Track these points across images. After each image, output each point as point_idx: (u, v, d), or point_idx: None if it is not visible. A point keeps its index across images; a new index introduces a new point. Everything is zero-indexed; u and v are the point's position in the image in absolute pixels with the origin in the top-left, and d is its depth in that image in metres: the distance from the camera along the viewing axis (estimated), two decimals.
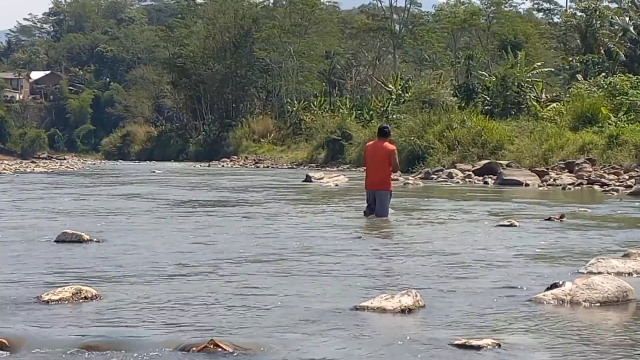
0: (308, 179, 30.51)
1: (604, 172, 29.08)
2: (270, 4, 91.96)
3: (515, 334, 5.40)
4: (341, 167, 49.56)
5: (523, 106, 47.60)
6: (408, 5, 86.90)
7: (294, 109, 72.95)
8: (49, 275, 7.50)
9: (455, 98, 50.68)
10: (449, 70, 69.45)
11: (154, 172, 42.41)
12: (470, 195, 22.13)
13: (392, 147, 14.04)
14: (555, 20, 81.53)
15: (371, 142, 14.66)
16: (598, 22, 55.79)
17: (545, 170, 30.71)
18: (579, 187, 26.45)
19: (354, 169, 44.47)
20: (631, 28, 51.69)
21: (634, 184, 24.88)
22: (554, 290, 6.50)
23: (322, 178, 30.88)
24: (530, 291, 6.80)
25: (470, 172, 32.75)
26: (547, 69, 56.11)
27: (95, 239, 10.05)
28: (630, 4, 54.22)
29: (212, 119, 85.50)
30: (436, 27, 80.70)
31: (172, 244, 9.98)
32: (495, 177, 29.81)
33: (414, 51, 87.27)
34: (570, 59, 55.34)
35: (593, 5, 56.12)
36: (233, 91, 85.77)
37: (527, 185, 27.70)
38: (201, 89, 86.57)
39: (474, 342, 5.02)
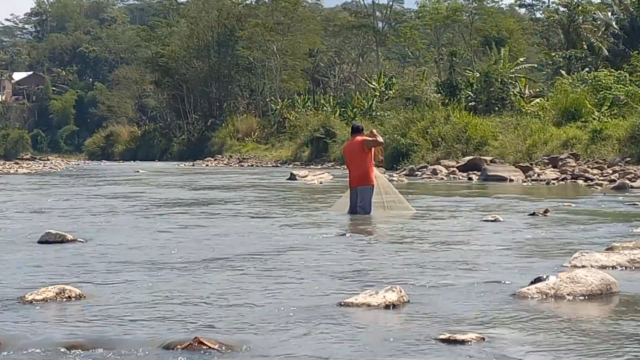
0: (292, 177, 30.51)
1: (588, 167, 29.21)
2: (253, 3, 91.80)
3: (499, 327, 5.41)
4: (325, 164, 49.57)
5: (507, 102, 47.70)
6: (390, 3, 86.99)
7: (278, 107, 72.93)
8: (33, 275, 7.46)
9: (439, 94, 50.74)
10: (433, 66, 69.54)
11: (138, 172, 42.28)
12: (455, 192, 22.17)
13: (362, 137, 14.17)
14: (538, 15, 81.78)
15: (347, 143, 14.90)
16: (580, 17, 56.02)
17: (529, 165, 30.81)
18: (563, 182, 26.55)
19: (338, 167, 44.46)
20: (613, 23, 51.93)
21: (618, 179, 24.98)
22: (538, 285, 6.51)
23: (306, 176, 30.89)
24: (514, 285, 6.81)
25: (455, 169, 32.82)
26: (530, 65, 56.25)
27: (79, 239, 10.00)
28: None
29: (196, 118, 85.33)
30: (419, 24, 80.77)
31: (156, 243, 9.95)
32: (479, 173, 29.87)
33: (397, 48, 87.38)
34: (553, 54, 55.58)
35: (575, 1, 56.33)
36: (217, 90, 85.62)
37: (511, 180, 27.77)
38: (184, 88, 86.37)
39: (459, 337, 5.03)
